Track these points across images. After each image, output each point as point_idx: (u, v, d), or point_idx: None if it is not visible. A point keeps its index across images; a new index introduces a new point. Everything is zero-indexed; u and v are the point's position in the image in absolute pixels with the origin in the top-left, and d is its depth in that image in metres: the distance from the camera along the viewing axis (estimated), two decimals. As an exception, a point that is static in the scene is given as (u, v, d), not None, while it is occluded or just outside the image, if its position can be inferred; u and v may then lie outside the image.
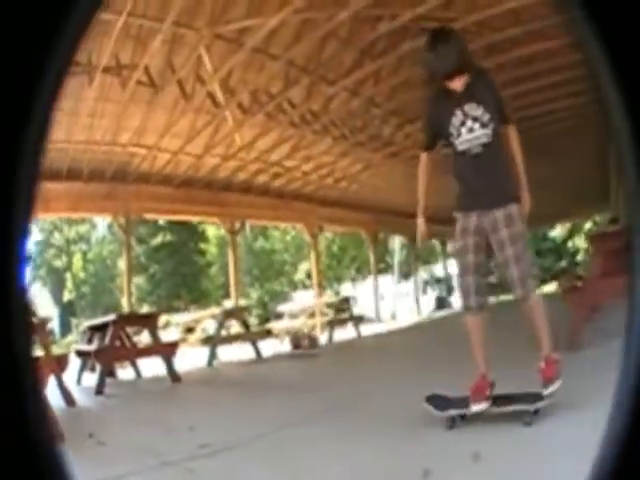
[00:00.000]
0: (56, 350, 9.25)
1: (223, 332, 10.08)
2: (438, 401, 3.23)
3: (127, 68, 8.51)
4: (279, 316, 16.74)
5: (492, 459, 2.40)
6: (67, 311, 37.33)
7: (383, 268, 27.62)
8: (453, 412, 3.16)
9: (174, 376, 7.23)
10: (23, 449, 0.56)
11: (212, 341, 9.68)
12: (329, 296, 20.31)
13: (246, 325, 10.19)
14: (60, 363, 5.75)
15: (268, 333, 11.55)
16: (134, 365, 8.52)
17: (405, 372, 5.79)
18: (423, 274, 27.58)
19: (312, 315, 14.70)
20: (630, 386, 0.55)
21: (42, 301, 36.53)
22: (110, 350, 7.17)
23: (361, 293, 23.93)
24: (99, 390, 6.65)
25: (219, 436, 3.55)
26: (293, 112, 10.68)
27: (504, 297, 14.69)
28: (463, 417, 3.19)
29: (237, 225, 14.68)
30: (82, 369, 8.25)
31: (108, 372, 7.49)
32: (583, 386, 3.17)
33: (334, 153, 13.13)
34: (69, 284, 38.78)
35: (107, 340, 7.14)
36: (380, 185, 16.03)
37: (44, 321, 5.80)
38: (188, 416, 4.64)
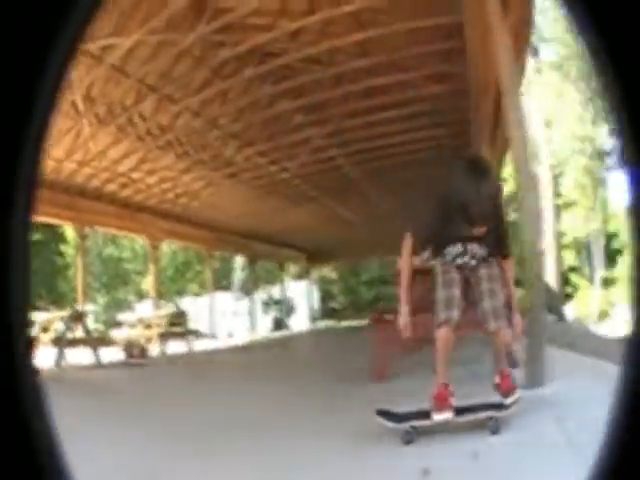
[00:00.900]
0: None
1: (71, 335, 10.34)
2: (390, 415, 3.27)
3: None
4: (119, 324, 16.85)
5: None
6: None
7: (225, 285, 28.25)
8: (415, 423, 3.19)
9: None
10: (22, 448, 0.55)
11: (60, 343, 9.92)
12: (166, 308, 20.60)
13: (87, 330, 10.54)
14: None
15: (107, 340, 11.88)
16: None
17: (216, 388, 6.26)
18: (263, 295, 28.59)
19: (149, 326, 15.06)
20: (630, 388, 0.55)
21: None
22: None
23: (201, 308, 24.36)
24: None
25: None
26: (142, 126, 11.39)
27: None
28: (416, 430, 3.21)
29: (87, 231, 14.83)
30: None
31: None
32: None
33: (177, 169, 13.63)
34: None
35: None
36: (220, 204, 16.64)
37: None
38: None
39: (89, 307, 15.89)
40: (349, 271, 31.05)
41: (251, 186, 14.91)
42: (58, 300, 29.19)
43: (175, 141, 12.50)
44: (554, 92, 25.66)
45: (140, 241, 31.27)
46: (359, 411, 3.94)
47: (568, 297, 26.62)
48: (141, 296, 32.53)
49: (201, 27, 7.97)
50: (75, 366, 9.77)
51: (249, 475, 2.95)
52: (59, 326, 14.98)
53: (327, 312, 27.79)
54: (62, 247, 32.49)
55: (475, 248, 3.26)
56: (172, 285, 30.26)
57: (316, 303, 28.26)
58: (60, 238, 32.11)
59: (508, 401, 3.15)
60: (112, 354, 11.23)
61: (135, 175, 13.80)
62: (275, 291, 29.14)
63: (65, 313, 11.79)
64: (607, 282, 29.41)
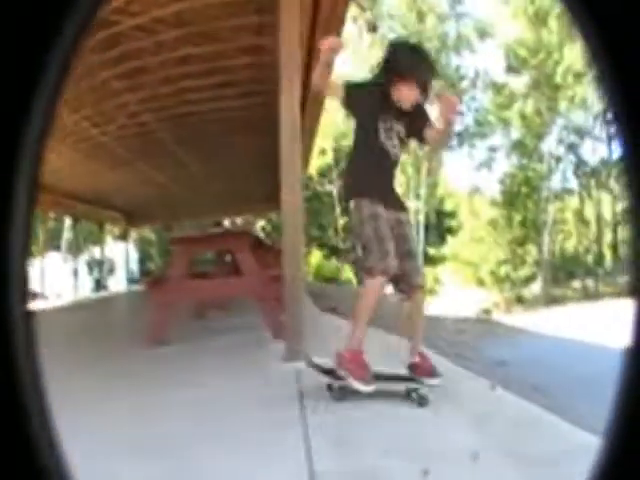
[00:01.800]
0: None
1: None
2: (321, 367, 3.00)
3: None
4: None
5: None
6: None
7: (56, 245, 26.85)
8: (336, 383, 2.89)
9: None
10: (22, 449, 0.54)
11: None
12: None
13: None
14: None
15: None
16: None
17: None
18: (88, 255, 27.61)
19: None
20: (629, 388, 0.54)
21: None
22: None
23: (35, 269, 23.39)
24: None
25: None
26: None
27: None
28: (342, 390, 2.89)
29: None
30: None
31: None
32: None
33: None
34: None
35: None
36: (52, 167, 15.85)
37: None
38: None
39: None
40: (166, 233, 30.70)
41: (75, 149, 14.27)
42: None
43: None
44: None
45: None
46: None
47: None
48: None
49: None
50: None
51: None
52: None
53: (145, 273, 27.43)
54: None
55: (399, 126, 3.21)
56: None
57: (135, 264, 28.44)
58: None
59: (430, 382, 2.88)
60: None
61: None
62: (98, 252, 28.60)
63: None
64: (435, 260, 31.23)
